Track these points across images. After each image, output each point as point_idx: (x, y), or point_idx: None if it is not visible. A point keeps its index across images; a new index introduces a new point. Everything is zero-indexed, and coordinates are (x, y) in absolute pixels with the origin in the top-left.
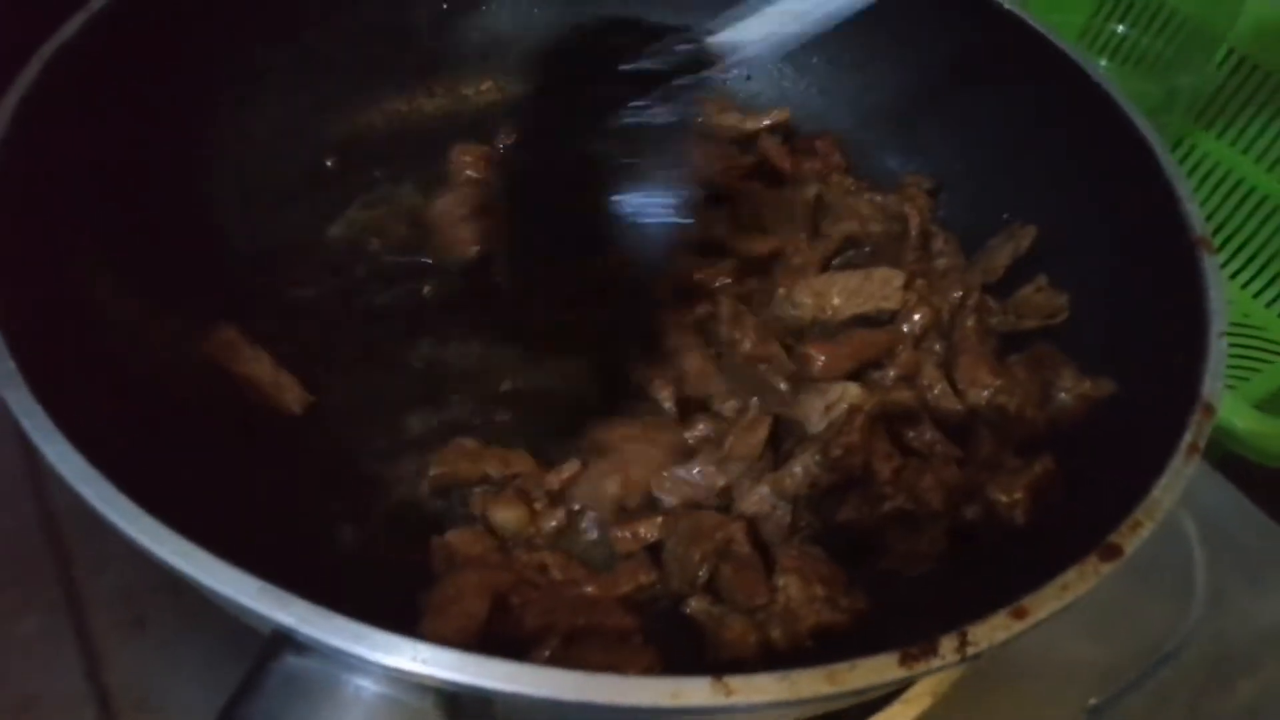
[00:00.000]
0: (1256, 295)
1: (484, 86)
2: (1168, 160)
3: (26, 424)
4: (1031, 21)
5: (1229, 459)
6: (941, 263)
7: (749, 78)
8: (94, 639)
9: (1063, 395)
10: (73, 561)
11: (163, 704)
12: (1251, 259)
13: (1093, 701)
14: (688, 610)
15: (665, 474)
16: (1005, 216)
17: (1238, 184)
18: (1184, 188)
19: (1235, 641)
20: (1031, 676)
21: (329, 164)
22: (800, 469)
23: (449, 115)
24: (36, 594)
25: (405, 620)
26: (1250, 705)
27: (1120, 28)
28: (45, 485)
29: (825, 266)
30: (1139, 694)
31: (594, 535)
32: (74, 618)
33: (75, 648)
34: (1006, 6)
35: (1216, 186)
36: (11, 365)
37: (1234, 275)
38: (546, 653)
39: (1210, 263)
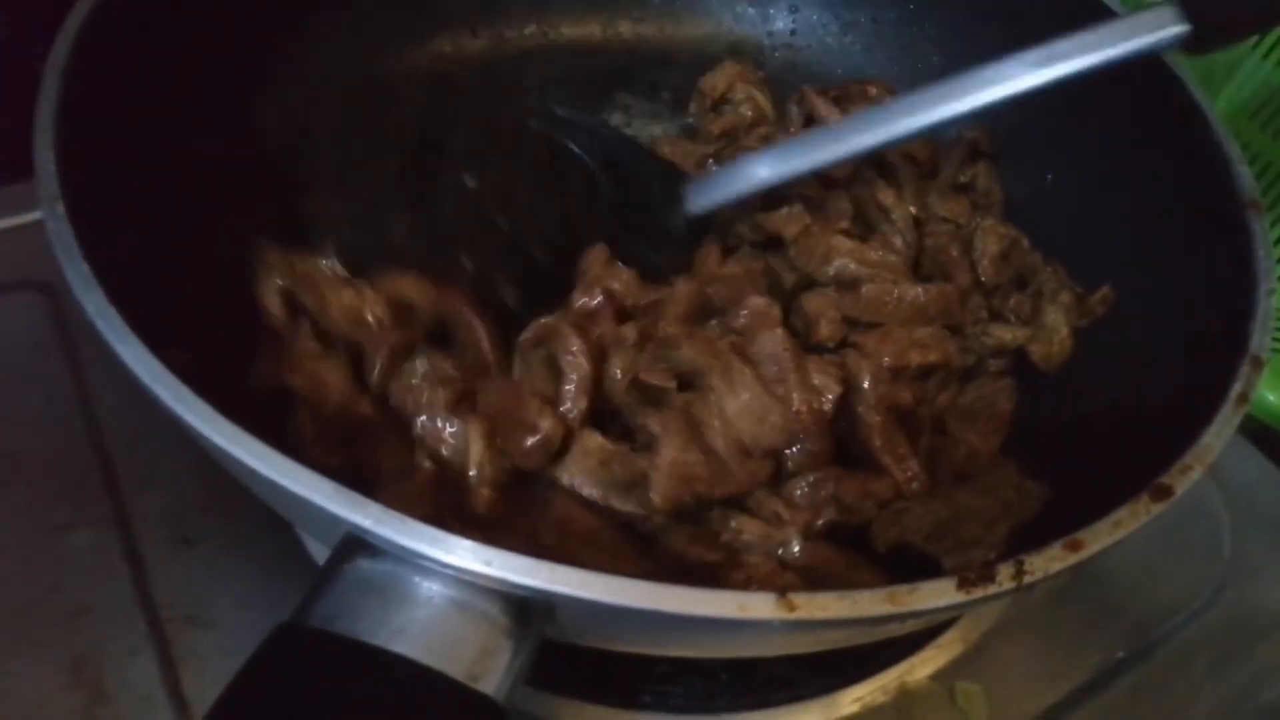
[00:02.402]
0: None
1: (528, 30)
2: (1218, 124)
3: (101, 325)
4: None
5: (1259, 430)
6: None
7: (794, 32)
8: (143, 556)
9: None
10: (120, 480)
11: (211, 620)
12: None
13: (1119, 655)
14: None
15: None
16: (1049, 178)
17: (1267, 166)
18: (1234, 150)
19: (1258, 606)
20: (1059, 630)
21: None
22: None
23: (488, 60)
24: (87, 510)
25: None
26: (1270, 668)
27: None
28: (94, 404)
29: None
30: (1164, 650)
31: None
32: (123, 534)
33: (125, 563)
34: None
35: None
36: (86, 268)
37: None
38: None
39: (1260, 224)
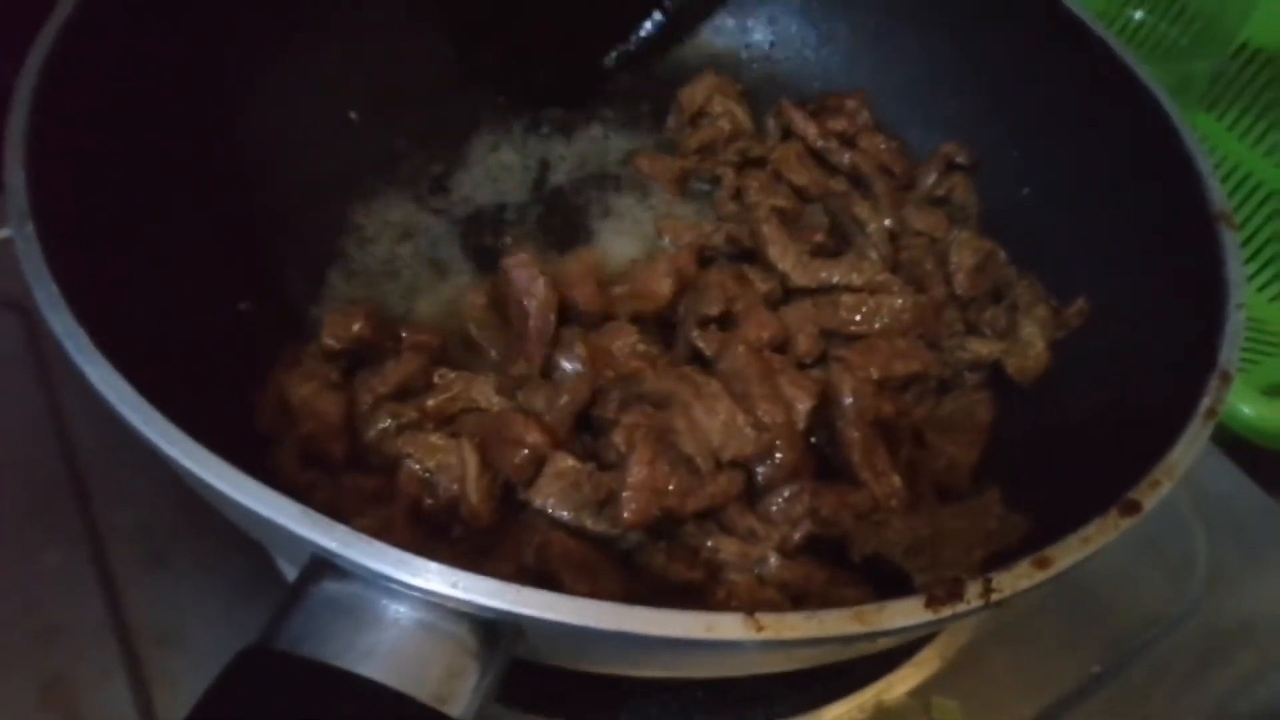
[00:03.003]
0: (1261, 289)
1: None
2: (1190, 138)
3: (69, 345)
4: None
5: (1232, 441)
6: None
7: (773, 44)
8: (114, 574)
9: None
10: (92, 498)
11: (181, 639)
12: (1257, 252)
13: (1095, 669)
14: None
15: None
16: (1025, 191)
17: (1245, 177)
18: (1205, 165)
19: (1234, 616)
20: (1037, 644)
21: (353, 116)
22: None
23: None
24: (58, 528)
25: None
26: (1247, 677)
27: (1138, 14)
28: (66, 421)
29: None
30: (1140, 663)
31: None
32: (95, 553)
33: (97, 582)
34: None
35: (1225, 178)
36: (54, 288)
37: None
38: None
39: (1230, 237)
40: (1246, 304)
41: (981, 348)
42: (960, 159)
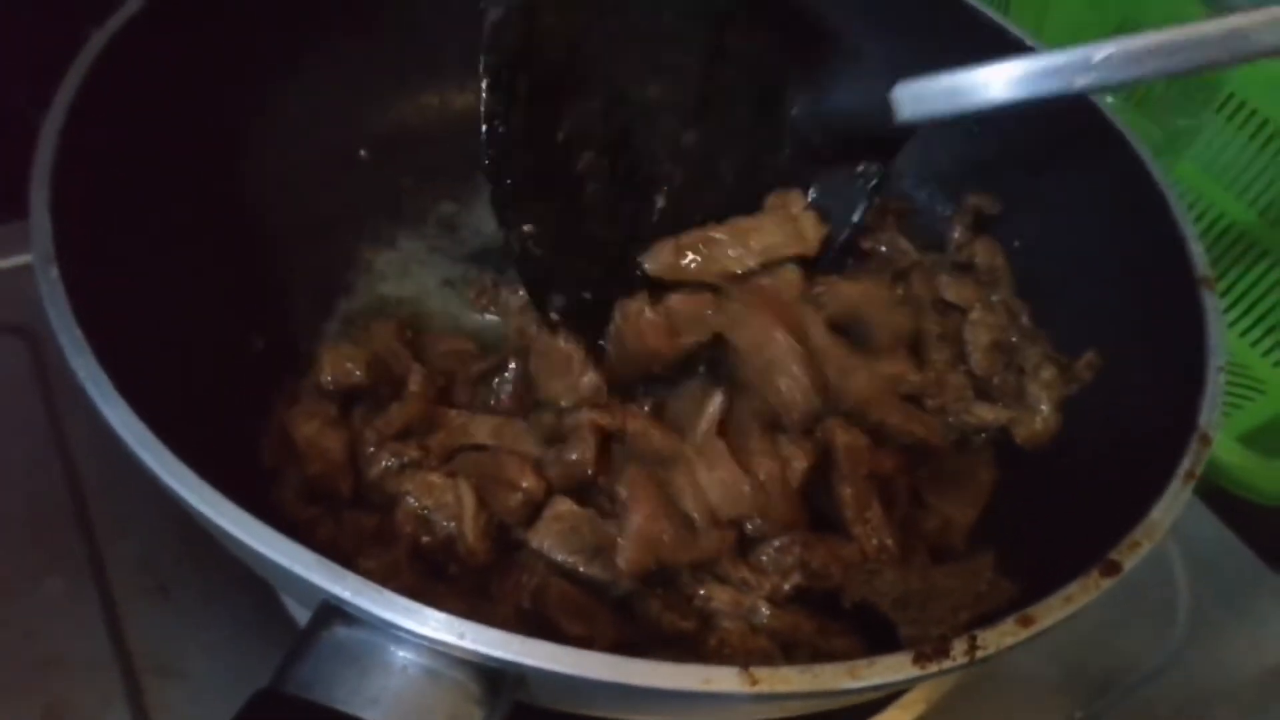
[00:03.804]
0: (1243, 335)
1: None
2: (1176, 202)
3: (92, 391)
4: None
5: (1214, 491)
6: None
7: None
8: (117, 604)
9: None
10: (96, 527)
11: (185, 671)
12: (1239, 299)
13: (1078, 715)
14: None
15: None
16: (1016, 244)
17: (1229, 227)
18: (1190, 229)
19: (1215, 667)
20: (1020, 689)
21: (363, 154)
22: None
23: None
24: (61, 557)
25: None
26: None
27: None
28: (71, 452)
29: None
30: (1120, 711)
31: None
32: (98, 582)
33: (99, 611)
34: (1013, 33)
35: (1208, 229)
36: (79, 333)
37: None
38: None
39: (1211, 301)
40: (1230, 350)
41: (988, 414)
42: (989, 209)
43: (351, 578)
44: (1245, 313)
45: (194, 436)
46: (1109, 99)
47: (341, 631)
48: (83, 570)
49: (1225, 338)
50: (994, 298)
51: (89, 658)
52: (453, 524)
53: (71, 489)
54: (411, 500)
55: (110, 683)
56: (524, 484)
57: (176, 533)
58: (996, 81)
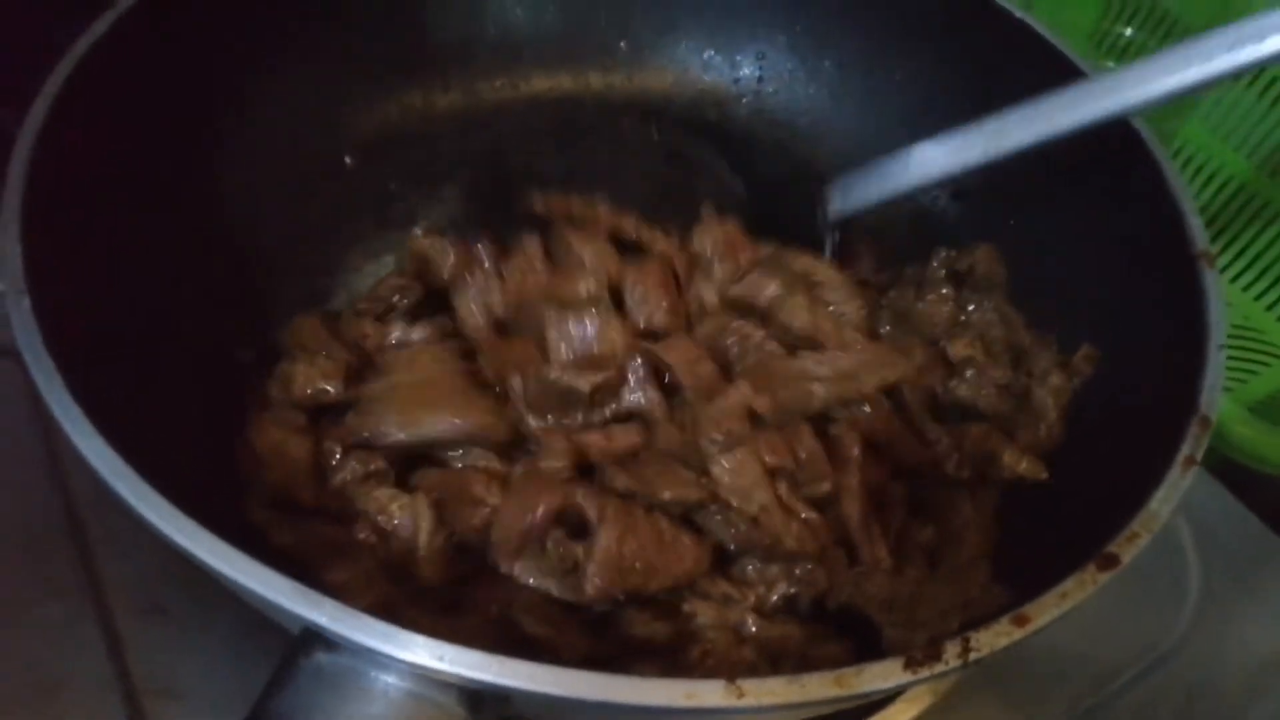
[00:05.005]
0: (1258, 298)
1: (497, 83)
2: (1173, 175)
3: (65, 423)
4: (1038, 28)
5: (1224, 463)
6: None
7: (761, 79)
8: (116, 626)
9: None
10: (93, 550)
11: (185, 692)
12: (1254, 261)
13: (1087, 702)
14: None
15: None
16: (1011, 223)
17: (1241, 188)
18: (1188, 203)
19: (1227, 647)
20: (1028, 676)
21: (348, 161)
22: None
23: (461, 112)
24: (59, 581)
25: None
26: (1241, 710)
27: (1128, 31)
28: (66, 473)
29: None
30: (1132, 696)
31: None
32: (96, 605)
33: (98, 635)
34: (1016, 15)
35: (1220, 189)
36: (50, 363)
37: (1235, 278)
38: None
39: (1211, 276)
40: (1246, 315)
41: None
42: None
43: (329, 604)
44: (1259, 276)
45: (177, 458)
46: (1109, 64)
47: (322, 657)
48: (80, 593)
49: (1225, 315)
50: (988, 304)
51: (91, 682)
52: (409, 539)
53: (67, 512)
54: (372, 514)
55: (112, 706)
56: (490, 500)
57: (173, 553)
58: (916, 164)
